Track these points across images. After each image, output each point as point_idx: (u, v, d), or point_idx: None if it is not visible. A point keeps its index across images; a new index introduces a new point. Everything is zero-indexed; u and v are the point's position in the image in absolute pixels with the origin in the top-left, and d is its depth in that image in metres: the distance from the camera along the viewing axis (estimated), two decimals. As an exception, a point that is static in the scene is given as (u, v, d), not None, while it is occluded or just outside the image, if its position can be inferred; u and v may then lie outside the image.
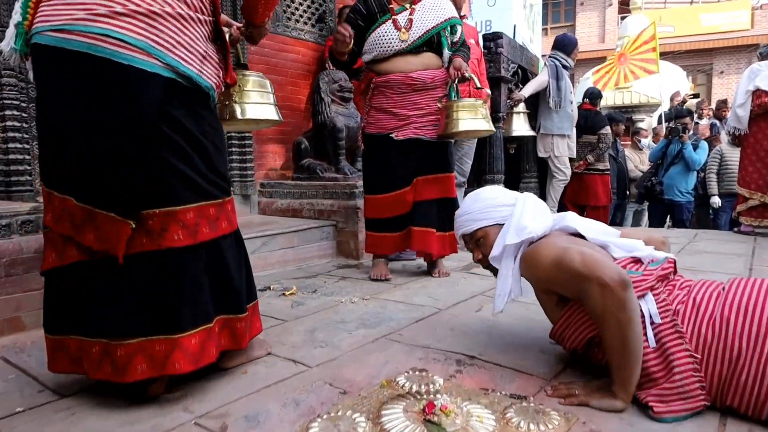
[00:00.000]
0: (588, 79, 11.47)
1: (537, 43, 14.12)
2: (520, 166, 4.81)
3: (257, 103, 1.69)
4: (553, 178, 4.70)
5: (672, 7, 20.20)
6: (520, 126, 4.34)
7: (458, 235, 1.63)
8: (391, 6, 2.41)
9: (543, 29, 16.49)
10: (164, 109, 1.22)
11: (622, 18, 18.91)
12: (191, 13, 1.27)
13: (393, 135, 2.45)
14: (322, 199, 3.25)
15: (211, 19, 1.35)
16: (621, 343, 1.22)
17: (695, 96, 9.22)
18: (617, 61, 8.01)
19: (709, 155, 5.77)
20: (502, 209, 1.53)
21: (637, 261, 1.38)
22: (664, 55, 16.42)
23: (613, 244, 1.42)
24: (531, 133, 4.47)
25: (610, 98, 10.38)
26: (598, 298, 1.23)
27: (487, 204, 1.55)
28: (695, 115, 8.30)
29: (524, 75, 4.57)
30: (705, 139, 6.53)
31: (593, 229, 1.48)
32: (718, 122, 7.37)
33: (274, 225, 3.03)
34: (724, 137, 5.75)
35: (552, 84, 4.47)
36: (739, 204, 4.28)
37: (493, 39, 3.87)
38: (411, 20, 2.40)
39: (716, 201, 5.73)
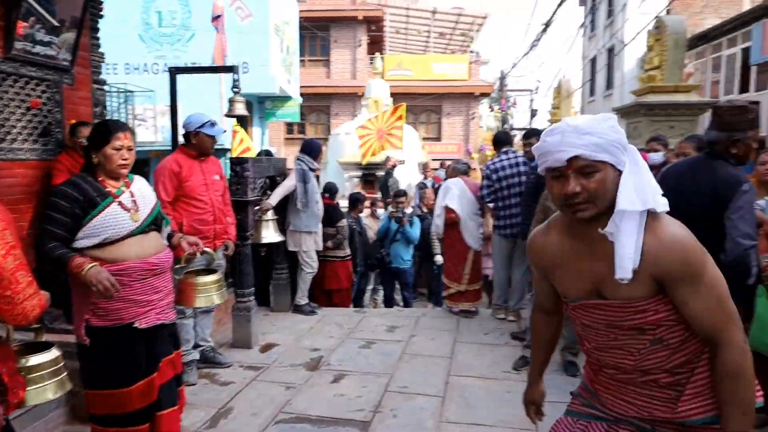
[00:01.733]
0: (338, 135, 12.52)
1: (295, 83, 14.78)
2: (271, 259, 5.08)
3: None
4: (302, 271, 5.09)
5: (410, 55, 23.15)
6: (269, 234, 4.60)
7: (570, 154, 1.24)
8: (108, 189, 2.31)
9: (301, 61, 17.30)
10: None
11: (371, 59, 21.00)
12: None
13: (136, 324, 2.33)
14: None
15: None
16: (750, 402, 1.23)
17: (402, 162, 10.68)
18: (376, 135, 9.05)
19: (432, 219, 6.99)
20: (624, 155, 1.26)
21: None
22: (405, 96, 18.84)
23: None
24: (280, 239, 4.77)
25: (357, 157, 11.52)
26: (740, 347, 1.22)
27: (622, 140, 1.26)
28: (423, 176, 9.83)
29: (272, 180, 4.85)
30: (429, 207, 7.83)
31: None
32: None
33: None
34: None
35: (299, 187, 4.85)
36: (444, 291, 5.32)
37: (239, 163, 4.03)
38: (135, 201, 2.36)
39: (439, 259, 6.93)
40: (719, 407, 1.28)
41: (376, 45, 22.21)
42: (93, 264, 2.18)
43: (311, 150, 5.08)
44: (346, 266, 5.68)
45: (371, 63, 20.67)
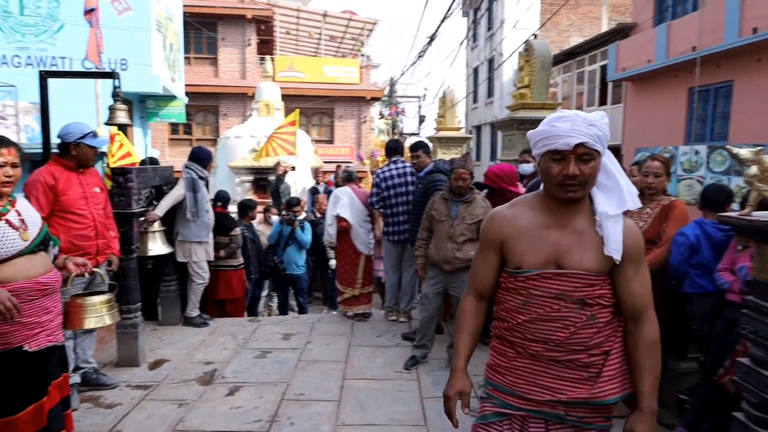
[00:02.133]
0: (229, 139, 12.17)
1: (180, 81, 14.10)
2: (159, 271, 4.88)
3: None
4: (193, 282, 4.95)
5: (301, 57, 23.03)
6: (156, 246, 4.43)
7: (578, 140, 1.42)
8: None
9: (186, 58, 16.52)
10: None
11: (261, 59, 20.59)
12: None
13: (25, 347, 2.23)
14: None
15: None
16: (659, 369, 1.53)
17: (293, 168, 10.64)
18: (269, 138, 8.95)
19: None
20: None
21: None
22: (296, 98, 18.73)
23: None
24: (168, 250, 4.60)
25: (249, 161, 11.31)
26: (656, 323, 1.54)
27: (608, 134, 1.48)
28: (316, 182, 9.88)
29: (158, 189, 4.66)
30: (323, 212, 7.91)
31: None
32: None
33: None
34: None
35: (189, 196, 4.71)
36: (338, 296, 5.45)
37: (122, 174, 3.84)
38: (23, 219, 2.28)
39: (333, 263, 7.04)
40: (629, 385, 1.54)
41: (266, 45, 21.81)
42: None
43: (201, 158, 4.96)
44: (239, 275, 5.61)
45: (261, 64, 20.29)
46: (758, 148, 1.90)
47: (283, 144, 8.80)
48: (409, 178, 4.91)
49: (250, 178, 11.32)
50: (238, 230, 5.49)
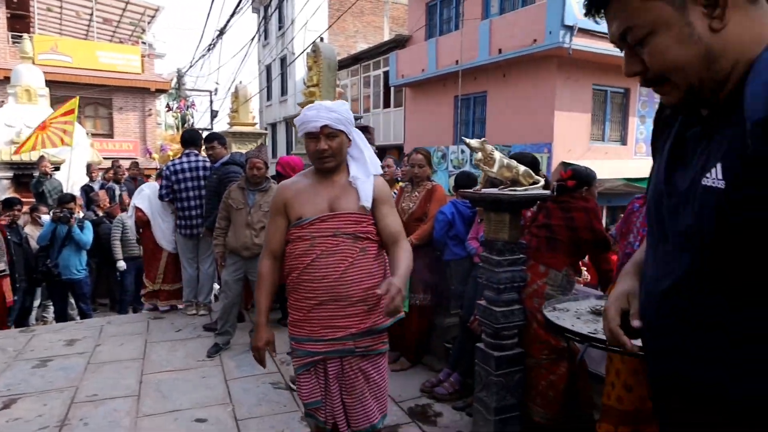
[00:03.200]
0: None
1: None
2: None
3: None
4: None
5: (68, 38, 20.31)
6: None
7: (319, 125, 1.89)
8: None
9: None
10: None
11: (15, 37, 17.58)
12: None
13: None
14: None
15: None
16: (410, 270, 1.94)
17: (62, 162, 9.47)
18: (38, 128, 7.76)
19: (112, 223, 6.51)
20: (353, 130, 2.01)
21: None
22: (63, 85, 16.48)
23: None
24: None
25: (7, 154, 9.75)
26: (408, 246, 2.04)
27: (351, 119, 1.97)
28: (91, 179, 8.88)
29: None
30: (106, 210, 7.26)
31: None
32: (116, 185, 8.18)
33: None
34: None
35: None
36: (142, 290, 5.27)
37: None
38: None
39: (122, 264, 6.55)
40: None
41: (20, 21, 18.68)
42: None
43: None
44: (6, 282, 4.92)
45: (14, 43, 17.34)
46: (483, 139, 2.54)
47: (59, 134, 7.78)
48: (201, 173, 4.83)
49: (9, 174, 9.70)
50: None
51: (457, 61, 13.13)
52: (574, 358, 2.72)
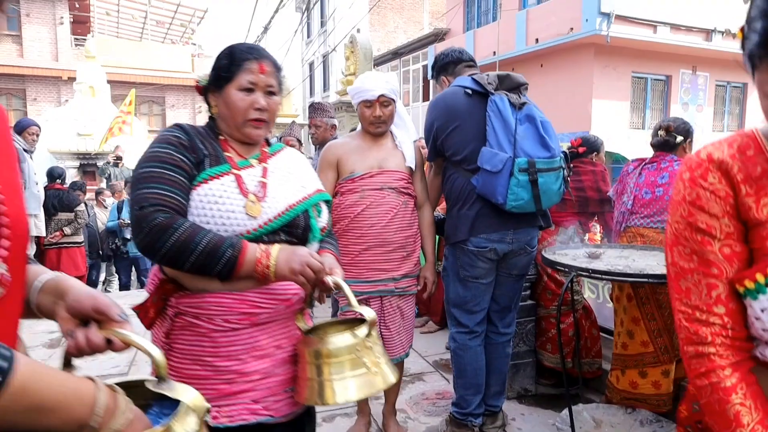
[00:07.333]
0: (47, 122, 11.16)
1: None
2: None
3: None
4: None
5: (126, 41, 21.44)
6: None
7: (377, 93, 2.15)
8: (228, 154, 1.31)
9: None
10: None
11: (77, 40, 18.77)
12: None
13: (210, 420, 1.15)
14: None
15: None
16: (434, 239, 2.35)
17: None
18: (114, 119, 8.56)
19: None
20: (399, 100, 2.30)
21: None
22: (122, 84, 17.51)
23: None
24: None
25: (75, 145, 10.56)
26: (430, 210, 2.40)
27: (397, 90, 2.26)
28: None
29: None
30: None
31: None
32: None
33: None
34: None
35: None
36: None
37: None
38: (264, 184, 1.28)
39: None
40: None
41: (81, 26, 19.95)
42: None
43: (16, 129, 4.80)
44: (82, 252, 5.54)
45: (77, 45, 18.54)
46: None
47: (119, 125, 8.51)
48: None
49: (76, 164, 10.55)
50: (83, 206, 5.43)
51: (494, 52, 13.26)
52: (585, 308, 2.97)
